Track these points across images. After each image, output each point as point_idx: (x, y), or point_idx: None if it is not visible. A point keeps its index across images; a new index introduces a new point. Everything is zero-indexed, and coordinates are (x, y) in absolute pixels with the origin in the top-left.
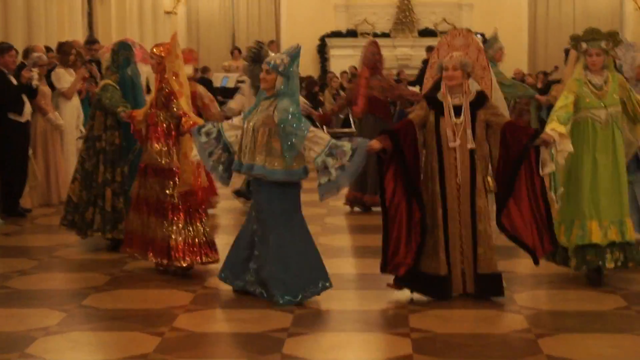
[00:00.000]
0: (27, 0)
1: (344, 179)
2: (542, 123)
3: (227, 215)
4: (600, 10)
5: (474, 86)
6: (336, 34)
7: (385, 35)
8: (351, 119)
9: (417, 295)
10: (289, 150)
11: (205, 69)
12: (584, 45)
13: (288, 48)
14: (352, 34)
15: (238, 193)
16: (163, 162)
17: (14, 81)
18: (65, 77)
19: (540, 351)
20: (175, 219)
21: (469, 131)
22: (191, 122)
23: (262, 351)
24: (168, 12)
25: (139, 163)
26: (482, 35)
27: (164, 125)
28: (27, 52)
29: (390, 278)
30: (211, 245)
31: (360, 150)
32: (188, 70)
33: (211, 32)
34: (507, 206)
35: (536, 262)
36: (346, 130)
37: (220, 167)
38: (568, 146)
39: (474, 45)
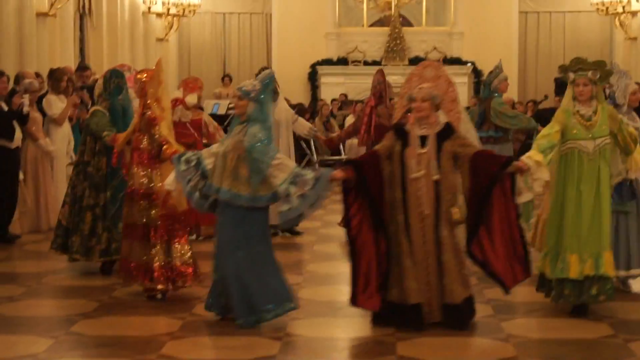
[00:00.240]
0: (19, 26)
1: (305, 207)
2: None
3: None
4: (591, 40)
5: (442, 118)
6: (327, 62)
7: (376, 63)
8: (341, 147)
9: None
10: (255, 175)
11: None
12: (571, 75)
13: (261, 74)
14: (342, 61)
15: None
16: (146, 185)
17: (5, 107)
18: (57, 104)
19: None
20: (157, 242)
21: (434, 162)
22: (172, 150)
23: None
24: (160, 39)
25: (124, 189)
26: (473, 64)
27: (148, 149)
28: (18, 78)
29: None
30: (185, 271)
31: (323, 180)
32: (193, 98)
33: (202, 59)
34: (477, 235)
35: (506, 292)
36: (335, 157)
37: (197, 194)
38: (544, 174)
39: (444, 77)
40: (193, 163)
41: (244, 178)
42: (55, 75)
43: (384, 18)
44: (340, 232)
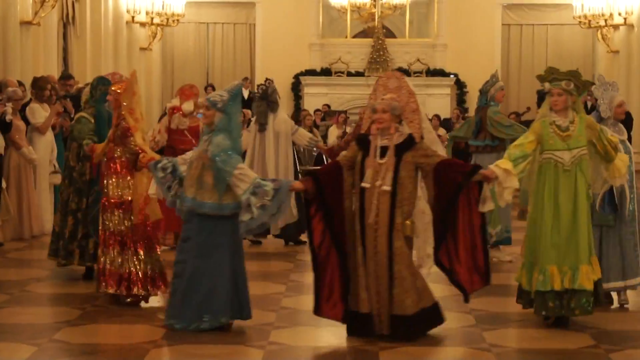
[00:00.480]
0: (2, 35)
1: (265, 218)
2: None
3: None
4: (573, 53)
5: (406, 129)
6: (310, 72)
7: (359, 74)
8: (324, 157)
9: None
10: (218, 184)
11: None
12: (547, 85)
13: (229, 86)
14: (326, 72)
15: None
16: (120, 195)
17: None
18: (40, 112)
19: None
20: (130, 250)
21: (390, 173)
22: (148, 158)
23: None
24: (143, 49)
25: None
26: (456, 75)
27: (121, 159)
28: (1, 87)
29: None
30: (154, 280)
31: (283, 191)
32: (189, 106)
33: (186, 68)
34: (445, 243)
35: (466, 300)
36: (317, 168)
37: (178, 201)
38: (514, 183)
39: (405, 88)
40: (169, 170)
41: (209, 186)
42: (39, 84)
43: (368, 29)
44: None
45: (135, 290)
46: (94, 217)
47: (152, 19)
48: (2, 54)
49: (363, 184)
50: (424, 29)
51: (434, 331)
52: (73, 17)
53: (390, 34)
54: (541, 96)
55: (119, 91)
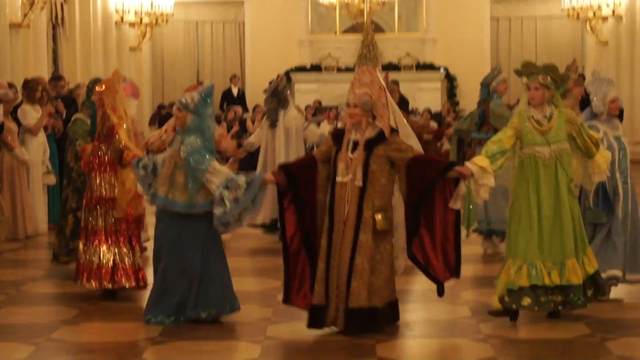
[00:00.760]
0: None
1: (239, 210)
2: None
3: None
4: (562, 44)
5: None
6: (300, 69)
7: (349, 69)
8: None
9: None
10: (191, 183)
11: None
12: (524, 79)
13: (202, 87)
14: (316, 68)
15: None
16: (102, 192)
17: None
18: (32, 114)
19: None
20: (112, 244)
21: (360, 167)
22: (132, 155)
23: None
24: (133, 48)
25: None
26: (446, 69)
27: (106, 157)
28: None
29: None
30: (135, 274)
31: (255, 184)
32: None
33: (176, 67)
34: (419, 237)
35: (440, 294)
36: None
37: (154, 198)
38: (489, 180)
39: (377, 82)
40: (150, 168)
41: (181, 185)
42: (30, 86)
43: (357, 25)
44: None
45: (117, 283)
46: None
47: (141, 18)
48: None
49: (339, 179)
50: (413, 23)
51: (430, 323)
52: (62, 19)
53: (379, 29)
54: None
55: (101, 90)
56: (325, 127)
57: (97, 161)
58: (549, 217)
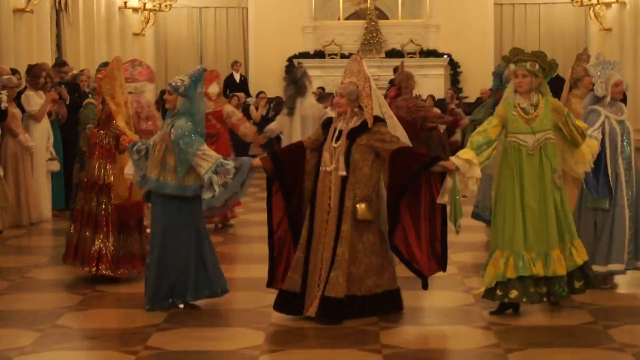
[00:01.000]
0: None
1: (228, 195)
2: None
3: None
4: (566, 31)
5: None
6: (304, 55)
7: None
8: None
9: None
10: (180, 165)
11: None
12: (512, 66)
13: (191, 70)
14: (319, 55)
15: None
16: (101, 177)
17: None
18: (35, 100)
19: None
20: (107, 230)
21: (342, 157)
22: (128, 140)
23: None
24: (136, 34)
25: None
26: (449, 56)
27: (104, 142)
28: None
29: None
30: (125, 261)
31: (244, 169)
32: (214, 88)
33: (179, 53)
34: (403, 231)
35: (424, 287)
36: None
37: (146, 181)
38: (476, 172)
39: (363, 72)
40: (143, 152)
41: (172, 168)
42: (34, 72)
43: (360, 11)
44: None
45: (102, 270)
46: None
47: (144, 4)
48: None
49: (322, 168)
50: (417, 9)
51: (434, 310)
52: (66, 4)
53: (382, 16)
54: None
55: (100, 77)
56: (330, 114)
57: (96, 147)
58: (532, 207)
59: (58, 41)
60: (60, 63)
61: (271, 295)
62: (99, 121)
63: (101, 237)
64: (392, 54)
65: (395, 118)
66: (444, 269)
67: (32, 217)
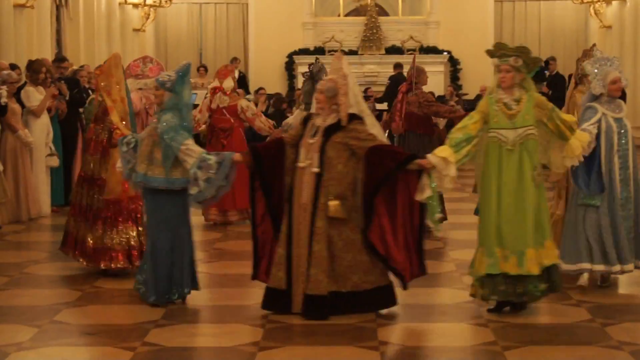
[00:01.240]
0: None
1: (213, 190)
2: None
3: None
4: (566, 28)
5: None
6: (304, 51)
7: (352, 52)
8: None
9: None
10: (165, 159)
11: None
12: (495, 61)
13: (178, 66)
14: (319, 51)
15: None
16: (96, 172)
17: None
18: (35, 95)
19: None
20: (102, 224)
21: (316, 154)
22: (120, 134)
23: None
24: (136, 30)
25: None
26: (449, 53)
27: (99, 138)
28: None
29: None
30: (137, 252)
31: (226, 163)
32: (229, 83)
33: (179, 49)
34: (379, 227)
35: (404, 287)
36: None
37: (134, 175)
38: (451, 171)
39: (342, 70)
40: (132, 145)
41: (159, 162)
42: (34, 67)
43: (360, 7)
44: None
45: (92, 262)
46: None
47: (144, 0)
48: None
49: (298, 164)
50: (417, 6)
51: (432, 307)
52: (66, 0)
53: (383, 12)
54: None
55: (98, 73)
56: None
57: (91, 142)
58: (509, 203)
59: (58, 37)
60: (60, 58)
61: None
62: (95, 116)
63: (97, 230)
64: (392, 50)
65: (373, 116)
66: (424, 271)
67: (31, 212)
